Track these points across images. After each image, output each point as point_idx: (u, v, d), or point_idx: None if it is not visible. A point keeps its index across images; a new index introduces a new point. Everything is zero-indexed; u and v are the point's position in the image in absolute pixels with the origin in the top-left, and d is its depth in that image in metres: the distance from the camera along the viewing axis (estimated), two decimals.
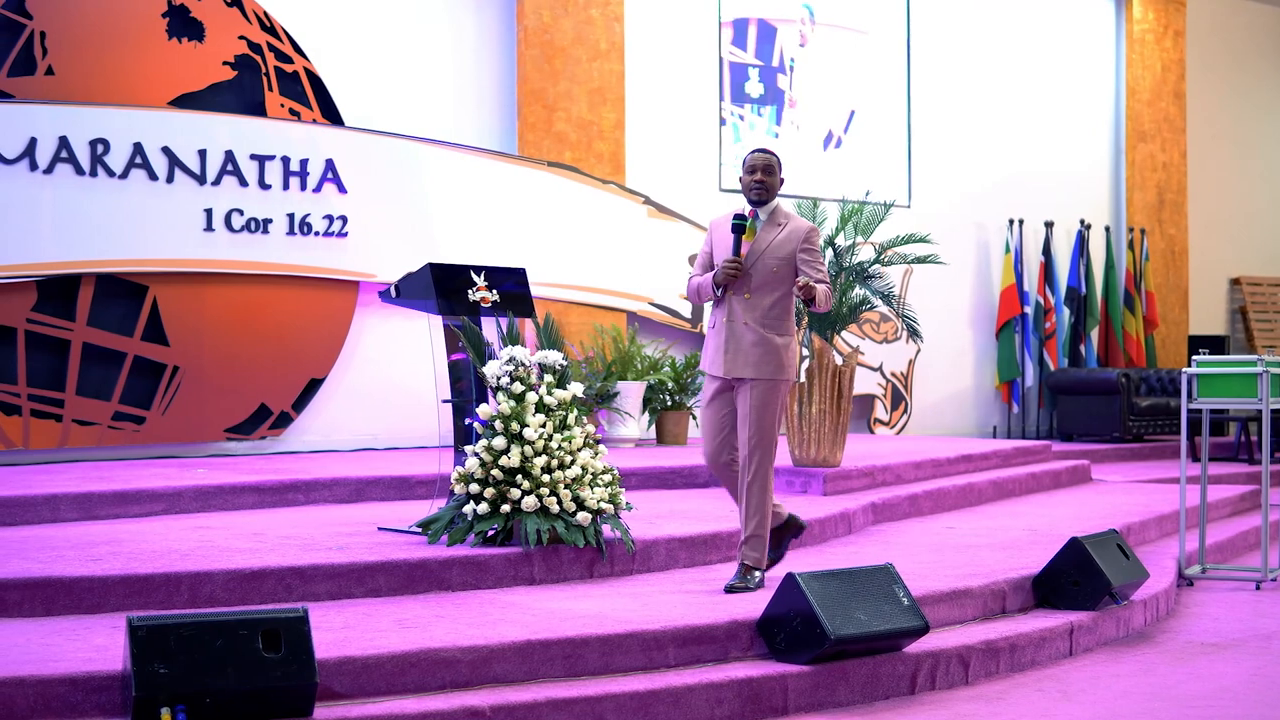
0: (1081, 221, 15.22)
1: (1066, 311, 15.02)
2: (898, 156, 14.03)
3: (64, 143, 9.20)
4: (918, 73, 14.16)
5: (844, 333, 10.55)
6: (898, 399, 13.71)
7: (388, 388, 10.41)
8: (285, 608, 4.43)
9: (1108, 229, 15.54)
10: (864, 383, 13.04)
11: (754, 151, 6.12)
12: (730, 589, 5.90)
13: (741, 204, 6.14)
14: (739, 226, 5.98)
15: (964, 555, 7.05)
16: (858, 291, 9.11)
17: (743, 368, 5.96)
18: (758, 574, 6.02)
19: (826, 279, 6.04)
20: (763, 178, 6.02)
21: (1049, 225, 14.94)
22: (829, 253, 9.10)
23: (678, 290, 12.11)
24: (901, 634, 5.37)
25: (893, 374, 13.64)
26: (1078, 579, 6.34)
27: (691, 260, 12.18)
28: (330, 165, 10.19)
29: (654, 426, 11.47)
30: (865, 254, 9.38)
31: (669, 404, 11.36)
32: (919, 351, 13.62)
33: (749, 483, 5.99)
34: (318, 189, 10.15)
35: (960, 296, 14.50)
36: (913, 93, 14.13)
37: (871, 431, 13.43)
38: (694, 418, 11.56)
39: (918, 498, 8.82)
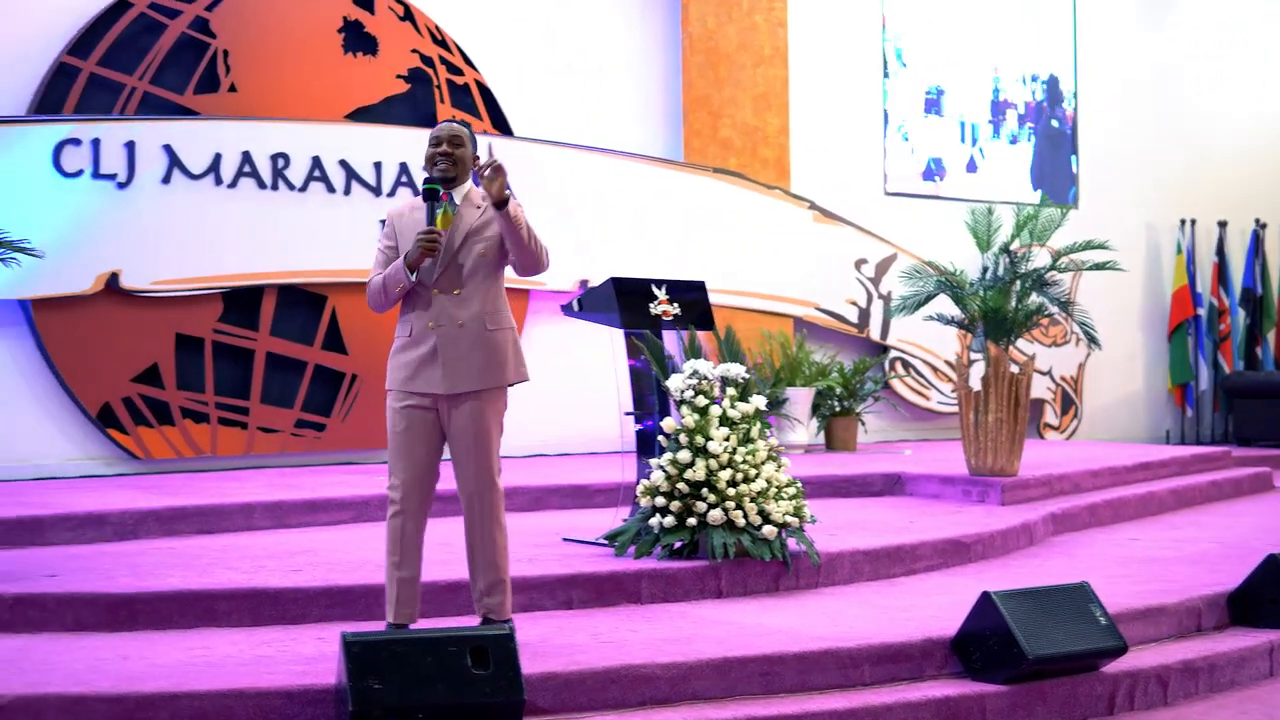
0: (1256, 221, 14.79)
1: (1242, 313, 14.63)
2: (1067, 157, 13.81)
3: (246, 157, 9.45)
4: (1085, 69, 13.90)
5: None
6: (1068, 403, 13.47)
7: (558, 394, 10.44)
8: (492, 624, 4.50)
9: None
10: (1034, 387, 12.80)
11: (442, 123, 5.13)
12: None
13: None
14: (431, 191, 4.91)
15: (1151, 569, 6.90)
16: (1034, 299, 8.94)
17: (465, 378, 4.95)
18: (506, 626, 4.77)
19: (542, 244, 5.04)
20: (449, 149, 5.00)
21: (1222, 225, 14.56)
22: (1004, 260, 8.96)
23: (844, 295, 12.05)
24: (1099, 654, 5.28)
25: (1062, 378, 13.41)
26: (1277, 596, 6.17)
27: (858, 265, 12.12)
28: None
29: (823, 433, 11.41)
30: (1039, 260, 9.21)
31: (837, 410, 11.29)
32: (1089, 355, 13.37)
33: (486, 526, 4.99)
34: None
35: (1130, 298, 14.20)
36: (1080, 91, 13.87)
37: (1042, 436, 13.22)
38: (863, 423, 11.49)
39: (1097, 507, 8.65)
